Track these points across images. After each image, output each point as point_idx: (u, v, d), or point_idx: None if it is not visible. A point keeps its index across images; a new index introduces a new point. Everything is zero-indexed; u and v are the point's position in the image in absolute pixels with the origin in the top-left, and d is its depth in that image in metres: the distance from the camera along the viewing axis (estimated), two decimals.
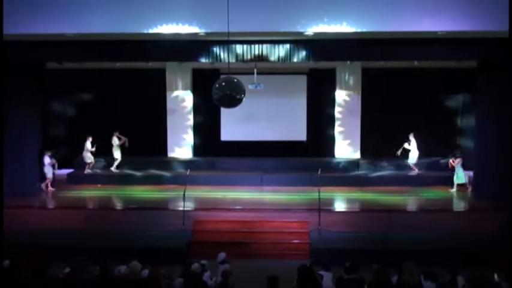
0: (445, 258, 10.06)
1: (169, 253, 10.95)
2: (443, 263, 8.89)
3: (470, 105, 17.81)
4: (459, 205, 14.65)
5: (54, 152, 16.23)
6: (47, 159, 15.76)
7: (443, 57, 14.20)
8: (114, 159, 17.39)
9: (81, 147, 17.21)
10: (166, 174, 17.21)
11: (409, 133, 16.79)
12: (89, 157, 17.13)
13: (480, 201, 14.41)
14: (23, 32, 12.43)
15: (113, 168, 17.37)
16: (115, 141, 17.27)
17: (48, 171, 15.82)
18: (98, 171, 17.63)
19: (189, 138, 18.85)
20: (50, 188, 15.92)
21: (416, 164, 16.92)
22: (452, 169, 15.78)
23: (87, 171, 17.21)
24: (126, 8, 12.20)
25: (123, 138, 17.26)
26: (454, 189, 15.67)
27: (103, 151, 17.61)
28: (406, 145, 16.60)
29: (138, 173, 17.23)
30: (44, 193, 15.58)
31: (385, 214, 13.06)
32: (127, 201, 14.98)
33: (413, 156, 16.79)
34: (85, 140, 17.03)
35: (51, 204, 14.61)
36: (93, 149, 17.04)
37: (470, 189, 15.59)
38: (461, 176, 15.57)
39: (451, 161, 15.95)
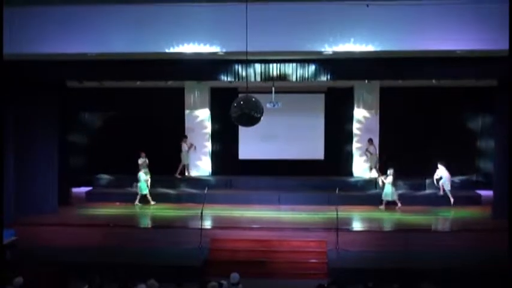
0: (464, 278, 9.94)
1: (186, 271, 10.96)
2: (462, 283, 8.78)
3: (490, 125, 17.69)
4: (478, 225, 14.47)
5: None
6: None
7: (462, 76, 14.16)
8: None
9: (98, 166, 17.37)
10: (184, 192, 17.28)
11: (437, 162, 16.57)
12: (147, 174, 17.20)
13: (500, 220, 14.20)
14: (47, 51, 12.66)
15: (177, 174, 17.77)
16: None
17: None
18: (123, 189, 17.75)
19: (206, 156, 18.93)
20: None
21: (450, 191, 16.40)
22: (383, 186, 16.01)
23: (134, 189, 17.19)
24: (147, 28, 12.38)
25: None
26: (382, 206, 15.86)
27: (120, 169, 17.78)
28: (382, 178, 16.41)
29: (156, 192, 17.32)
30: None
31: (403, 233, 12.95)
32: (145, 219, 15.05)
33: (447, 182, 16.34)
34: (138, 157, 17.28)
35: (69, 222, 14.73)
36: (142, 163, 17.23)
37: (399, 205, 15.71)
38: (388, 193, 15.72)
39: (382, 178, 16.13)
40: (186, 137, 18.14)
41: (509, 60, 11.18)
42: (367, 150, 17.77)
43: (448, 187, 16.28)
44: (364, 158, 18.08)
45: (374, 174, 17.67)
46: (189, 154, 18.26)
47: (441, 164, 16.46)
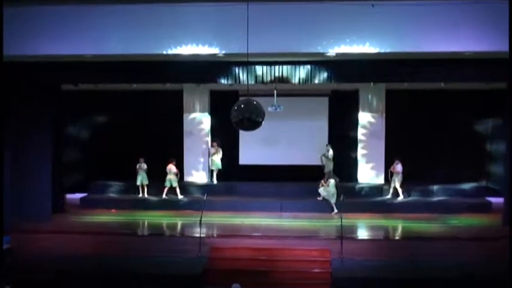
0: None
1: (184, 281, 10.96)
2: None
3: (500, 129, 17.68)
4: (488, 233, 14.44)
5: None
6: (173, 169, 17.10)
7: (471, 79, 14.19)
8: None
9: (95, 170, 17.38)
10: (183, 199, 17.30)
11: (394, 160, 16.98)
12: (168, 180, 17.32)
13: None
14: (40, 53, 12.71)
15: (179, 196, 17.43)
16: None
17: (169, 181, 17.11)
18: (120, 195, 17.85)
19: (206, 161, 18.96)
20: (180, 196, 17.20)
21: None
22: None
23: (164, 196, 17.29)
24: (145, 29, 12.42)
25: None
26: (320, 198, 16.47)
27: (117, 175, 17.82)
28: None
29: (153, 198, 17.36)
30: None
31: (410, 242, 12.94)
32: (142, 226, 15.07)
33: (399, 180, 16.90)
34: (167, 163, 17.35)
35: (64, 229, 14.73)
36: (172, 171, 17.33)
37: (335, 211, 15.83)
38: (333, 195, 16.04)
39: (322, 181, 16.44)
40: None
41: (509, 64, 11.21)
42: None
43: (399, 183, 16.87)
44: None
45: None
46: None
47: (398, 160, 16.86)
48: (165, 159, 17.94)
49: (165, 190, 17.36)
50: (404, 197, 16.93)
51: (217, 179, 18.58)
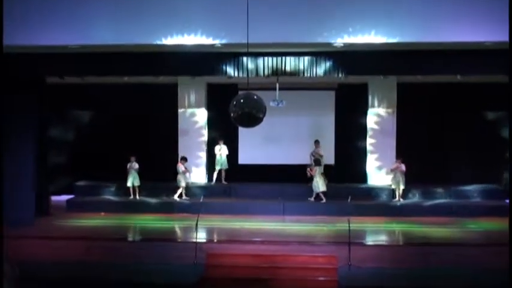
0: None
1: None
2: None
3: None
4: (507, 238, 14.39)
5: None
6: (181, 167, 17.05)
7: (491, 71, 14.12)
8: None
9: (83, 171, 17.34)
10: (177, 201, 17.28)
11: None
12: (179, 180, 17.32)
13: None
14: (22, 43, 12.64)
15: (176, 197, 17.39)
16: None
17: (181, 180, 17.11)
18: (109, 197, 17.86)
19: (202, 161, 18.92)
20: (185, 197, 17.18)
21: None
22: (311, 178, 16.87)
23: (176, 198, 17.27)
24: (136, 17, 12.40)
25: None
26: (311, 199, 16.95)
27: (106, 175, 17.81)
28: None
29: (145, 200, 17.36)
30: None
31: (424, 248, 12.91)
32: (133, 231, 15.05)
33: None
34: (177, 162, 17.39)
35: (48, 234, 14.69)
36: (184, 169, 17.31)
37: (323, 201, 16.65)
38: (316, 185, 16.74)
39: (309, 169, 16.78)
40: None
41: (510, 58, 11.11)
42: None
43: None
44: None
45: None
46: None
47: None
48: (158, 158, 17.95)
49: (178, 191, 17.36)
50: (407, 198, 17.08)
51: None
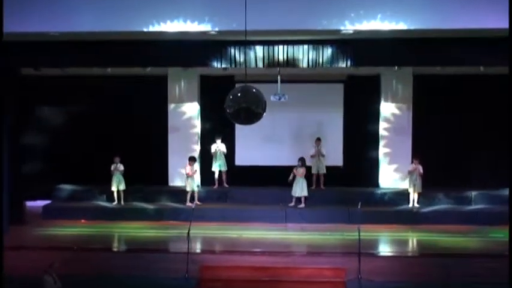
0: None
1: None
2: None
3: None
4: None
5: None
6: (186, 169, 17.24)
7: None
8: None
9: (60, 173, 17.31)
10: (167, 207, 17.29)
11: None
12: (185, 184, 17.38)
13: None
14: None
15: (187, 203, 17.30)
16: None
17: (186, 184, 17.29)
18: (91, 202, 17.82)
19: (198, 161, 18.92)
20: (197, 202, 17.11)
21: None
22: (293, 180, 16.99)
23: (188, 204, 17.11)
24: (122, 1, 12.36)
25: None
26: (292, 204, 17.05)
27: (87, 178, 17.80)
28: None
29: (132, 206, 17.35)
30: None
31: (443, 260, 12.91)
32: (117, 241, 15.03)
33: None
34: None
35: (22, 244, 14.68)
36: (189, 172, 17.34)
37: (303, 206, 16.87)
38: (296, 189, 16.89)
39: (294, 170, 16.92)
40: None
41: (509, 50, 11.14)
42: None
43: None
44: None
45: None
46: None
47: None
48: (145, 159, 17.90)
49: (188, 196, 17.39)
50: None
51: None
